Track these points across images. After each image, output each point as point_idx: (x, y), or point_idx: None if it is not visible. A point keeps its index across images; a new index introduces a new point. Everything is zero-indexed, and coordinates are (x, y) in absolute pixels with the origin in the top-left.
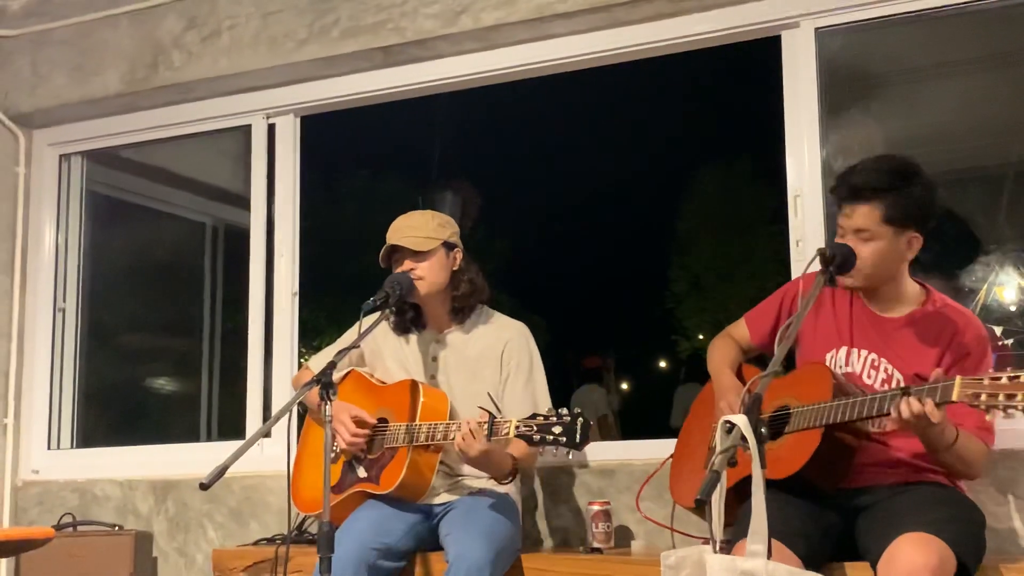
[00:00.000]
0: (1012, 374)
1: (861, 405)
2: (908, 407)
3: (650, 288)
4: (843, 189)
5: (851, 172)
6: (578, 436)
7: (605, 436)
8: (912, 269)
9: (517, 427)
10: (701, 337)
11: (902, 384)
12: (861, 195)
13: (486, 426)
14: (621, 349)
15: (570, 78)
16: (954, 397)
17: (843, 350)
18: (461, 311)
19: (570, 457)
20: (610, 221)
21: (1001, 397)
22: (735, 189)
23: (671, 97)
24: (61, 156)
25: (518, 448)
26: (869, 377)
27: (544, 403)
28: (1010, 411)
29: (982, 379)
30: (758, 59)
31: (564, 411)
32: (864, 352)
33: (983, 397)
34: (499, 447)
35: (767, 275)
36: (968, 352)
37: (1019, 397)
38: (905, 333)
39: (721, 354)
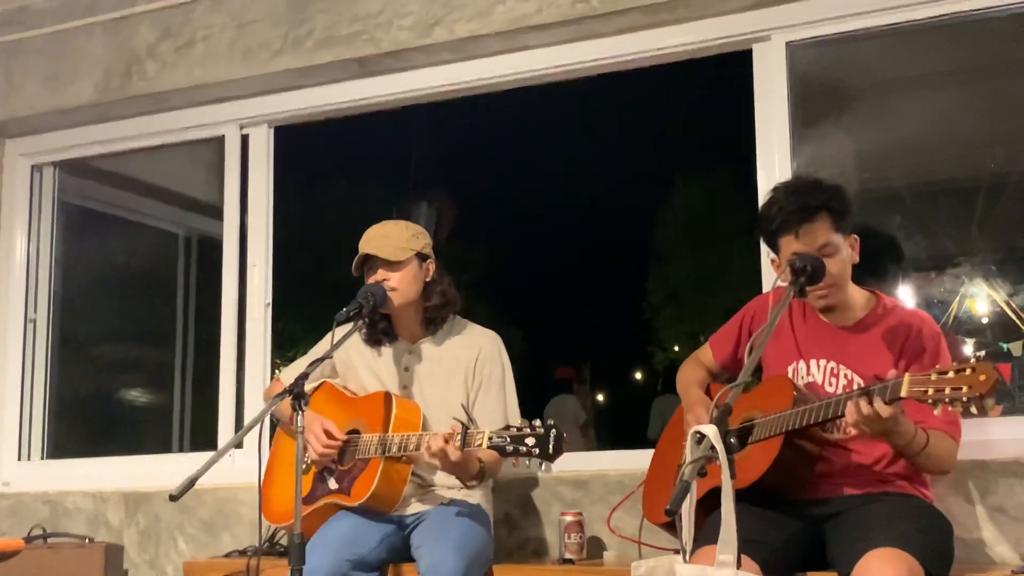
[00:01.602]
0: (958, 367)
1: (818, 410)
2: (857, 409)
3: (627, 299)
4: (787, 216)
5: (782, 200)
6: (551, 447)
7: (578, 444)
8: (882, 280)
9: (490, 438)
10: (677, 348)
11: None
12: (811, 213)
13: (459, 437)
14: (597, 360)
15: (545, 90)
16: (903, 393)
17: (802, 362)
18: (433, 322)
19: (542, 469)
20: (587, 232)
21: (948, 390)
22: (712, 201)
23: (648, 109)
24: (33, 166)
25: (485, 452)
26: (830, 385)
27: (515, 412)
28: (957, 404)
29: (929, 374)
30: (733, 71)
31: (537, 422)
32: (823, 361)
33: (930, 391)
34: (470, 453)
35: (744, 287)
36: (924, 349)
37: (964, 390)
38: (860, 338)
39: (688, 375)
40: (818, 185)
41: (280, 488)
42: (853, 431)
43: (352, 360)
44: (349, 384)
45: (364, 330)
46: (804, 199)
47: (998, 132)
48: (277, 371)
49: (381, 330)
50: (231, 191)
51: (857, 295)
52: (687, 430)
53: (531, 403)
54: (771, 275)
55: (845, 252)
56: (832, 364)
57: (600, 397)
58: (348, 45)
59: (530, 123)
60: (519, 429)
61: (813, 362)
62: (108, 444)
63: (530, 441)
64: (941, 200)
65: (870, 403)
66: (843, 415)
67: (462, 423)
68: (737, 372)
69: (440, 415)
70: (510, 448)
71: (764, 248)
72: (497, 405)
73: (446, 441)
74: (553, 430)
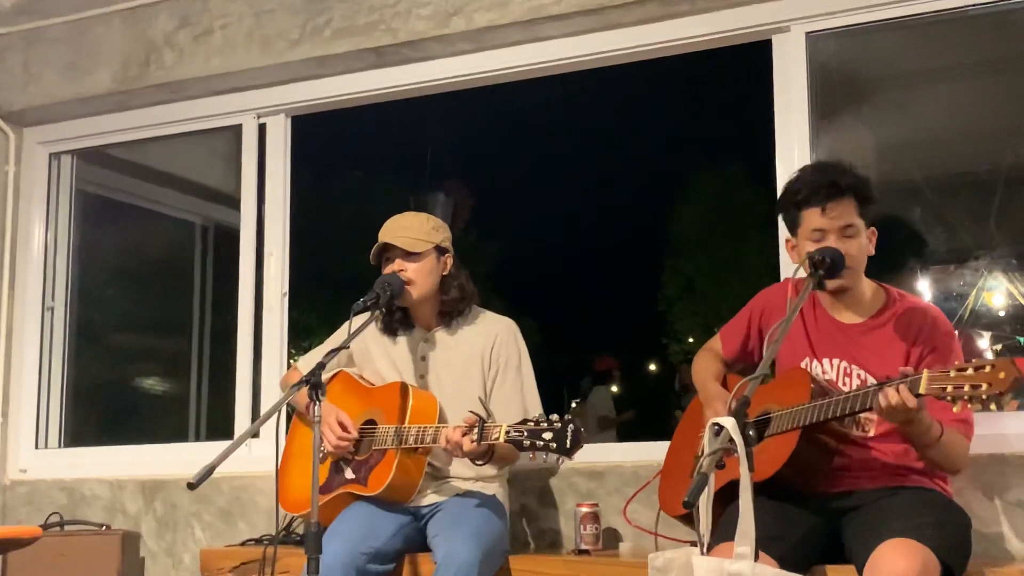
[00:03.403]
0: (977, 364)
1: (835, 405)
2: (886, 398)
3: (642, 291)
4: (816, 189)
5: (810, 175)
6: (569, 442)
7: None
8: (901, 272)
9: (508, 432)
10: (692, 340)
11: None
12: (840, 192)
13: (476, 431)
14: (612, 352)
15: (563, 80)
16: (921, 390)
17: (815, 361)
18: (450, 315)
19: (560, 463)
20: (603, 224)
21: (967, 388)
22: (728, 193)
23: (665, 100)
24: (51, 155)
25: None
26: (844, 384)
27: (533, 399)
28: (975, 401)
29: (948, 371)
30: (752, 62)
31: (555, 417)
32: (836, 360)
33: (949, 389)
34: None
35: (759, 279)
36: (935, 347)
37: (983, 387)
38: (872, 337)
39: (704, 366)
40: (848, 168)
41: (296, 477)
42: (872, 431)
43: (369, 349)
44: (365, 373)
45: (380, 319)
46: (834, 176)
47: (1018, 125)
48: (293, 360)
49: (398, 319)
50: (248, 180)
51: (867, 287)
52: (706, 423)
53: (550, 395)
54: (788, 265)
55: (864, 239)
56: (845, 364)
57: (615, 388)
58: (366, 35)
59: (547, 114)
60: (536, 423)
61: (826, 361)
62: (125, 432)
63: (547, 436)
64: (961, 193)
65: (897, 391)
66: (860, 411)
67: (479, 416)
68: (745, 363)
69: (457, 405)
70: (527, 443)
71: (781, 239)
72: (514, 393)
73: (463, 435)
74: (571, 424)
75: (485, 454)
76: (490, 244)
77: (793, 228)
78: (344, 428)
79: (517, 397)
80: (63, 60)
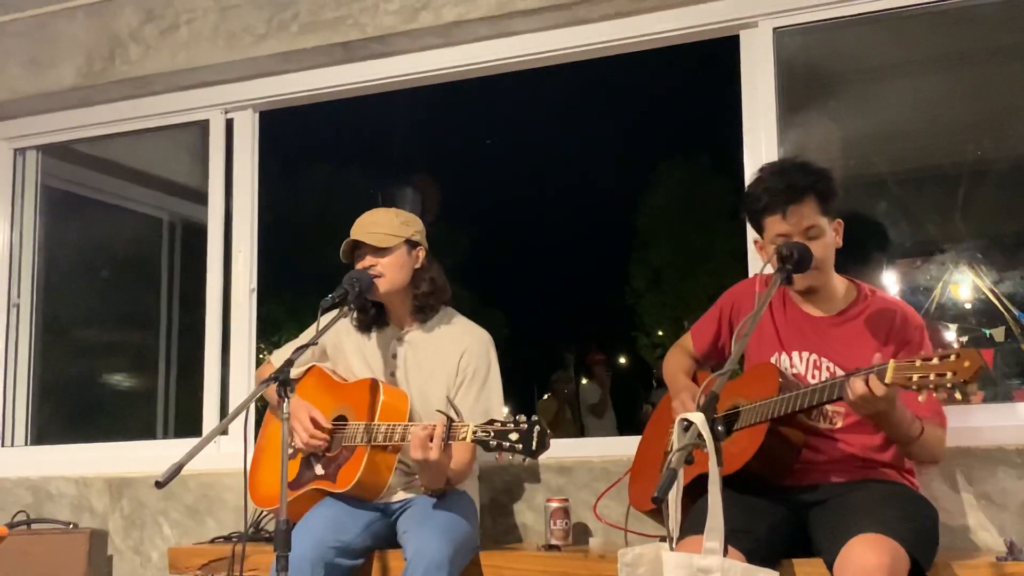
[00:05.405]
0: (943, 354)
1: (802, 397)
2: (853, 388)
3: (610, 283)
4: (774, 196)
5: (769, 179)
6: (534, 444)
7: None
8: (866, 266)
9: (475, 432)
10: (660, 333)
11: None
12: (798, 194)
13: (442, 432)
14: (580, 344)
15: (531, 75)
16: (887, 379)
17: (784, 355)
18: (423, 310)
19: (526, 463)
20: (570, 217)
21: (932, 377)
22: (696, 186)
23: (633, 94)
24: (16, 150)
25: (456, 459)
26: (813, 377)
27: (497, 413)
28: (940, 390)
29: (914, 361)
30: (720, 57)
31: (521, 418)
32: (805, 354)
33: (915, 378)
34: (449, 455)
35: (727, 272)
36: (907, 341)
37: (948, 376)
38: (843, 330)
39: (674, 362)
40: (806, 167)
41: (267, 471)
42: (840, 423)
43: (342, 344)
44: (338, 368)
45: (355, 316)
46: (792, 179)
47: (982, 118)
48: (265, 354)
49: (372, 317)
50: (216, 176)
51: (838, 283)
52: (673, 415)
53: (519, 389)
54: (756, 258)
55: (829, 236)
56: (814, 356)
57: (584, 381)
58: (333, 29)
59: (515, 108)
60: (503, 424)
61: (795, 354)
62: (92, 429)
63: (513, 436)
64: (926, 186)
65: (866, 382)
66: (827, 402)
67: (447, 416)
68: (717, 360)
69: (422, 405)
70: (493, 443)
71: (749, 231)
72: (477, 404)
73: (430, 439)
74: (537, 426)
75: (443, 482)
76: (458, 236)
77: (759, 231)
78: (316, 425)
79: (480, 409)
80: (26, 54)
